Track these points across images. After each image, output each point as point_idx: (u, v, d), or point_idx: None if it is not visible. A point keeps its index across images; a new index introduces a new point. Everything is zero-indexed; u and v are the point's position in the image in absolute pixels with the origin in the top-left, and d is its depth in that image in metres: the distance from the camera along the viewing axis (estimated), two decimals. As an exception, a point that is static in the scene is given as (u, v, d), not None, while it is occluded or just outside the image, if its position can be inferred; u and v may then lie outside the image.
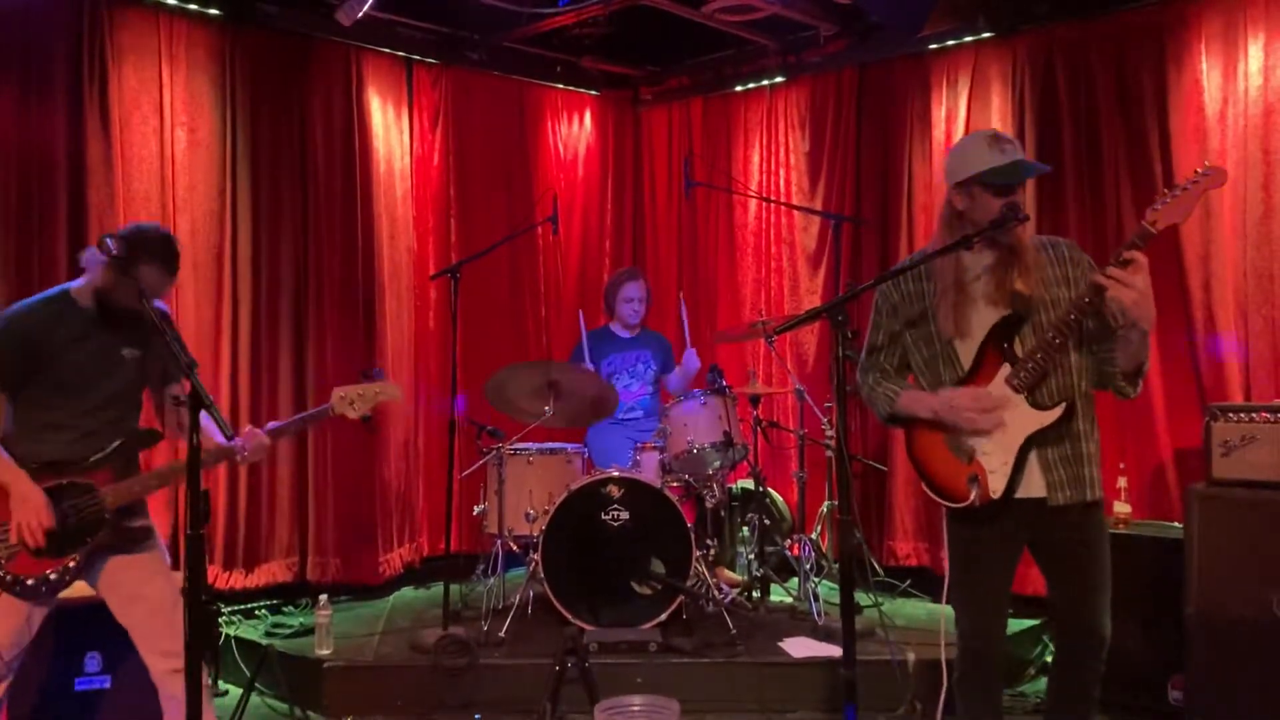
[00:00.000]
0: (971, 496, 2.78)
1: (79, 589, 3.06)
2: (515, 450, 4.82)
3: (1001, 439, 2.77)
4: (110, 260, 2.85)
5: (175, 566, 4.60)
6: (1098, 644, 2.81)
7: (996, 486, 2.77)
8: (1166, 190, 2.61)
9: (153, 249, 2.95)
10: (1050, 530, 2.83)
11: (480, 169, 6.12)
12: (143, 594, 3.07)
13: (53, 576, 2.96)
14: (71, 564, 2.97)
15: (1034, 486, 2.79)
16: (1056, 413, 2.74)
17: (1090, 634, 2.81)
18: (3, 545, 2.92)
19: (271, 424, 3.23)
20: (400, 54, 5.76)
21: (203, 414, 2.68)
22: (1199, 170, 2.59)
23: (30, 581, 2.94)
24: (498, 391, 4.79)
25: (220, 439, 3.06)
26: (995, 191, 2.73)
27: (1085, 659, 2.84)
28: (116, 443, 3.05)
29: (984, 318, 2.82)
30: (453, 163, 6.00)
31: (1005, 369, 2.78)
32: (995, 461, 2.78)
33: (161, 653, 3.02)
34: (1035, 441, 2.76)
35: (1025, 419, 2.76)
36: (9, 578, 2.92)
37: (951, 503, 2.84)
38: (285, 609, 5.10)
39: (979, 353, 2.82)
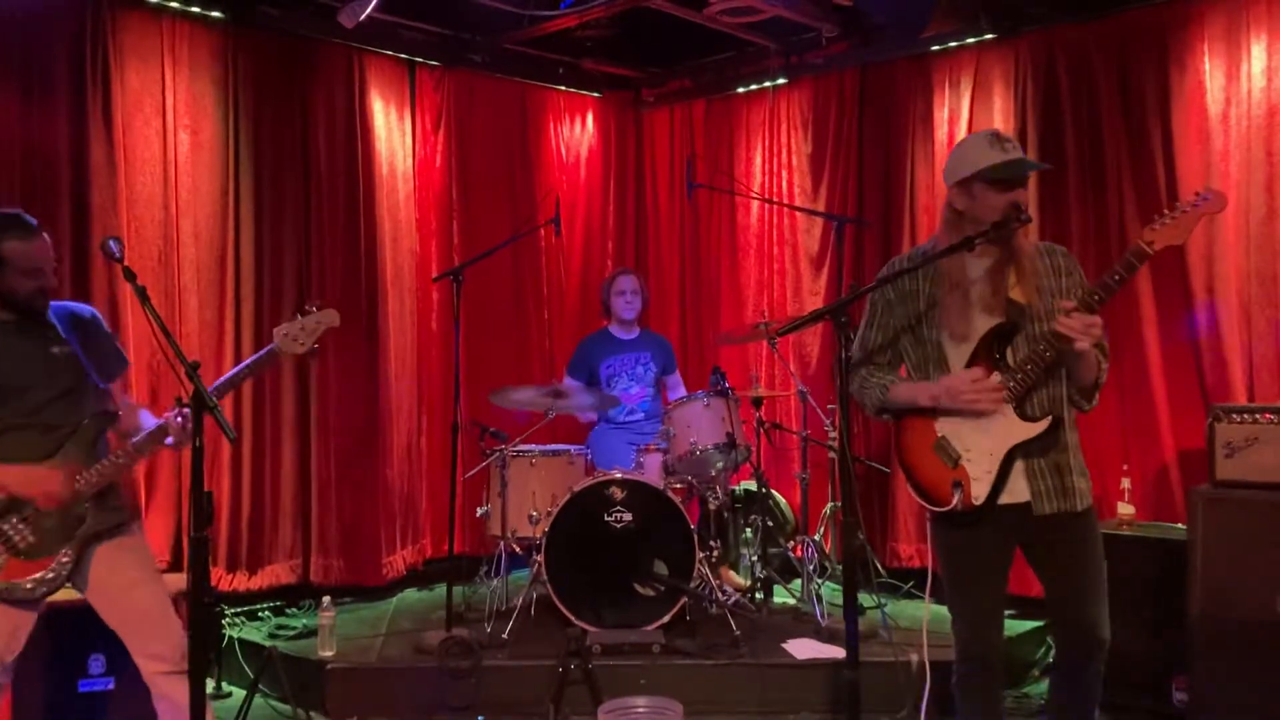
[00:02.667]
0: (954, 502, 2.78)
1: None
2: (518, 452, 4.81)
3: (988, 446, 2.77)
4: None
5: (179, 569, 4.63)
6: (1096, 646, 2.79)
7: (979, 493, 2.77)
8: (1165, 211, 2.60)
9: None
10: (1038, 536, 2.82)
11: (483, 171, 6.12)
12: (130, 597, 3.04)
13: (50, 575, 2.91)
14: (65, 559, 2.93)
15: (1018, 492, 2.78)
16: (1043, 425, 2.74)
17: (1087, 636, 2.79)
18: None
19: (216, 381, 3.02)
20: (403, 56, 5.76)
21: (141, 410, 2.66)
22: (1199, 193, 2.59)
23: (28, 584, 2.90)
24: (501, 393, 4.84)
25: (149, 424, 2.98)
26: (999, 188, 2.72)
27: (1084, 661, 2.83)
28: (74, 430, 2.98)
29: (978, 324, 2.81)
30: (455, 165, 5.99)
31: (995, 378, 2.77)
32: (979, 469, 2.78)
33: (151, 655, 3.00)
34: (1021, 452, 2.76)
35: (1012, 429, 2.76)
36: (3, 586, 2.88)
37: (935, 506, 2.84)
38: (288, 611, 5.09)
39: (970, 360, 2.81)
